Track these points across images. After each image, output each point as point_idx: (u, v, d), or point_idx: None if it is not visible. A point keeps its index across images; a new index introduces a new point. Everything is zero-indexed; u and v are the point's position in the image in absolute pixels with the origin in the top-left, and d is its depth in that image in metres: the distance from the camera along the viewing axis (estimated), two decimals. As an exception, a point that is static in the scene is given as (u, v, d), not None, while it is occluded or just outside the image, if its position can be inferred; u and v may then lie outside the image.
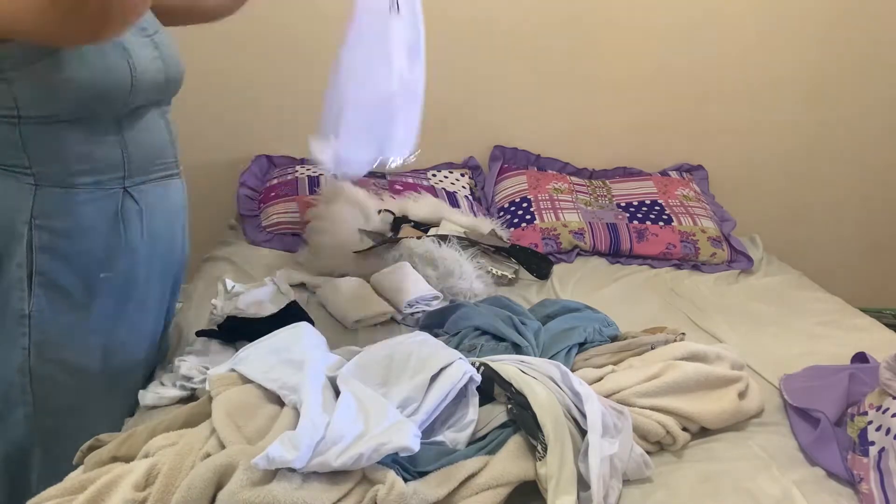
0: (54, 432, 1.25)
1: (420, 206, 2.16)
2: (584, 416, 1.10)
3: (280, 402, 1.09)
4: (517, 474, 1.03)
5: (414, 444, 0.98)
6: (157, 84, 1.24)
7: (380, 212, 2.11)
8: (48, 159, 1.14)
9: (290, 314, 1.51)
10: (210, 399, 1.08)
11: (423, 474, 1.01)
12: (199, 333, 1.43)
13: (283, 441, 0.94)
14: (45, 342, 1.20)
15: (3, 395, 1.24)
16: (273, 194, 2.29)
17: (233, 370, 1.16)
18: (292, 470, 0.94)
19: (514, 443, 1.08)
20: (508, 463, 1.04)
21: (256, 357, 1.17)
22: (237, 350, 1.38)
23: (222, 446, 0.98)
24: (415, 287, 1.71)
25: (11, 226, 1.15)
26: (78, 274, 1.20)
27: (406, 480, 0.98)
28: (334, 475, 0.95)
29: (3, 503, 1.29)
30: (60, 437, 1.24)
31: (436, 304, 1.69)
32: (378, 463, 0.98)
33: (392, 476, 0.95)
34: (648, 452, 1.18)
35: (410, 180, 2.42)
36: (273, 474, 0.93)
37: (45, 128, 1.12)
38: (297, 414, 1.05)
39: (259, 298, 1.63)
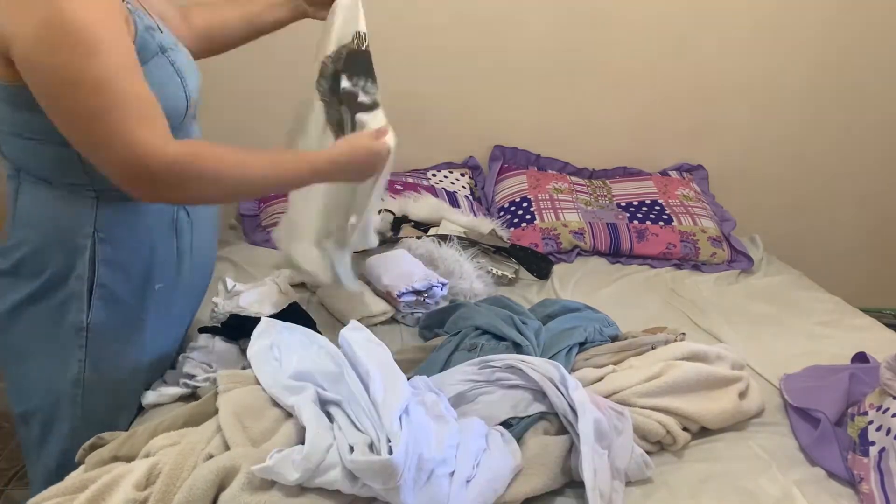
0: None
1: (420, 205, 2.16)
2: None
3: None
4: (526, 493, 1.04)
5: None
6: (196, 101, 1.27)
7: (380, 212, 2.11)
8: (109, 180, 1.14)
9: (291, 314, 1.51)
10: (215, 396, 1.08)
11: None
12: (202, 330, 1.43)
13: (288, 460, 0.93)
14: (100, 355, 1.21)
15: (52, 407, 1.24)
16: (273, 194, 2.29)
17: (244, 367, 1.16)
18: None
19: (521, 456, 1.08)
20: (517, 482, 1.05)
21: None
22: (240, 347, 1.39)
23: (225, 447, 0.97)
24: (408, 275, 1.70)
25: (73, 239, 1.16)
26: (137, 286, 1.22)
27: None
28: None
29: None
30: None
31: (439, 294, 1.68)
32: None
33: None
34: (649, 452, 1.19)
35: (410, 180, 2.42)
36: (274, 480, 0.93)
37: None
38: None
39: (260, 297, 1.63)
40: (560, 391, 1.13)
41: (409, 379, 1.26)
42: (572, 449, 1.10)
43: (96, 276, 1.17)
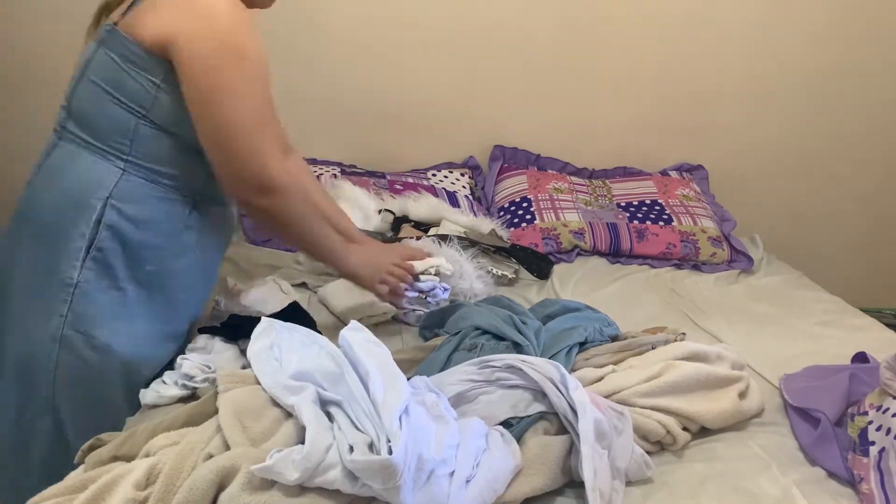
0: (74, 406, 1.29)
1: (420, 205, 2.16)
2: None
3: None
4: (526, 493, 1.04)
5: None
6: None
7: (380, 212, 2.11)
8: (147, 156, 1.25)
9: (291, 314, 1.51)
10: (215, 396, 1.08)
11: None
12: (202, 330, 1.43)
13: (288, 460, 0.93)
14: (81, 314, 1.25)
15: (32, 358, 1.27)
16: (273, 194, 2.29)
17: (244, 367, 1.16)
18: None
19: (521, 455, 1.08)
20: (517, 482, 1.04)
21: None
22: (240, 348, 1.39)
23: (226, 446, 0.97)
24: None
25: (84, 199, 1.23)
26: (129, 259, 1.27)
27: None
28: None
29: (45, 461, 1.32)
30: (80, 409, 1.29)
31: (441, 296, 1.68)
32: None
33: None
34: (649, 452, 1.19)
35: (410, 180, 2.42)
36: (274, 480, 0.93)
37: (160, 134, 1.24)
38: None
39: (261, 297, 1.63)
40: (560, 391, 1.13)
41: (409, 379, 1.27)
42: (572, 449, 1.10)
43: (97, 238, 1.24)
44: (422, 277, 1.65)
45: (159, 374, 1.35)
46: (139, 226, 1.26)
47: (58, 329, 1.24)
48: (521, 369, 1.18)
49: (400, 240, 1.93)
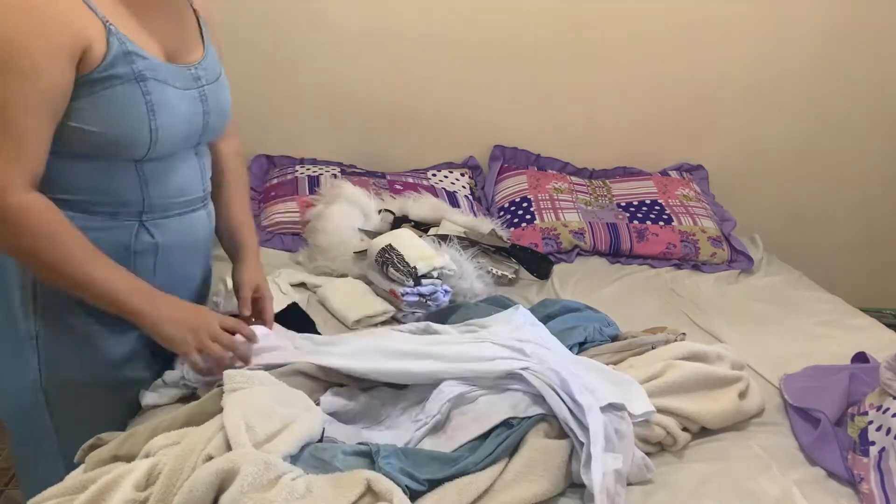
0: (71, 445, 1.23)
1: (420, 205, 2.16)
2: (581, 425, 1.09)
3: (296, 407, 1.08)
4: (528, 500, 1.04)
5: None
6: (189, 136, 1.23)
7: (380, 212, 2.11)
8: (63, 188, 1.13)
9: (291, 315, 1.51)
10: (218, 396, 1.08)
11: (431, 482, 1.01)
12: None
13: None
14: (54, 362, 1.21)
15: (20, 410, 1.25)
16: (273, 194, 2.29)
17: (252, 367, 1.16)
18: (294, 478, 0.93)
19: (521, 460, 1.08)
20: (520, 488, 1.04)
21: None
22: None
23: (226, 447, 0.97)
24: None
25: None
26: (77, 303, 1.18)
27: (411, 489, 0.98)
28: (338, 484, 0.95)
29: None
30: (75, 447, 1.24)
31: (442, 298, 1.69)
32: (385, 472, 0.97)
33: (399, 496, 0.94)
34: (649, 453, 1.19)
35: (410, 180, 2.42)
36: (275, 482, 0.93)
37: (61, 160, 1.11)
38: (312, 419, 1.06)
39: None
40: (560, 397, 1.13)
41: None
42: (572, 453, 1.10)
43: (38, 285, 1.17)
44: (423, 281, 1.65)
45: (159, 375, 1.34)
46: None
47: (36, 381, 1.21)
48: (520, 374, 1.18)
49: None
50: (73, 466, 1.20)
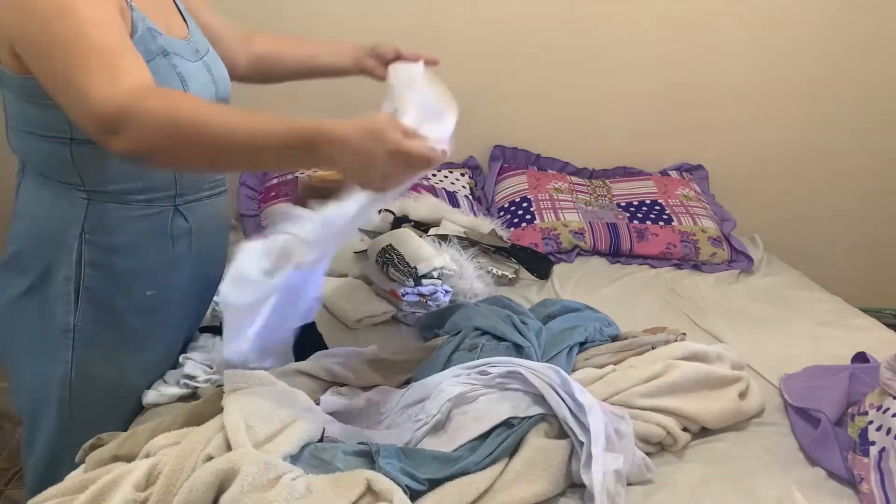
0: (80, 443, 1.24)
1: (420, 205, 2.16)
2: (581, 425, 1.09)
3: (295, 408, 1.09)
4: (528, 499, 1.04)
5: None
6: None
7: (380, 212, 2.11)
8: (99, 177, 1.15)
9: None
10: (219, 396, 1.08)
11: (431, 482, 1.01)
12: (203, 330, 1.43)
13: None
14: (87, 358, 1.21)
15: (40, 405, 1.24)
16: (273, 194, 2.29)
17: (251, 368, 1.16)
18: (294, 478, 0.93)
19: (522, 460, 1.08)
20: (520, 488, 1.04)
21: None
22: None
23: (226, 447, 0.97)
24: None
25: (62, 238, 1.16)
26: (124, 291, 1.20)
27: (411, 489, 0.98)
28: (338, 484, 0.95)
29: None
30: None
31: (442, 299, 1.69)
32: (385, 472, 0.97)
33: (399, 495, 0.94)
34: (649, 453, 1.19)
35: (410, 180, 2.42)
36: (275, 482, 0.93)
37: (96, 149, 1.09)
38: (312, 419, 1.06)
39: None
40: (560, 396, 1.13)
41: (410, 381, 1.27)
42: (572, 453, 1.10)
43: (83, 277, 1.17)
44: (424, 281, 1.65)
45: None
46: (123, 254, 1.19)
47: (66, 375, 1.20)
48: (521, 374, 1.18)
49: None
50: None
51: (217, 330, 1.42)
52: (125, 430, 1.17)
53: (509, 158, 2.60)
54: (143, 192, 1.18)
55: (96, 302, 1.19)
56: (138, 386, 1.29)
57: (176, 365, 1.34)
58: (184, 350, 1.38)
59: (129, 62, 1.01)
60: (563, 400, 1.12)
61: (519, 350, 1.36)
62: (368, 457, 1.03)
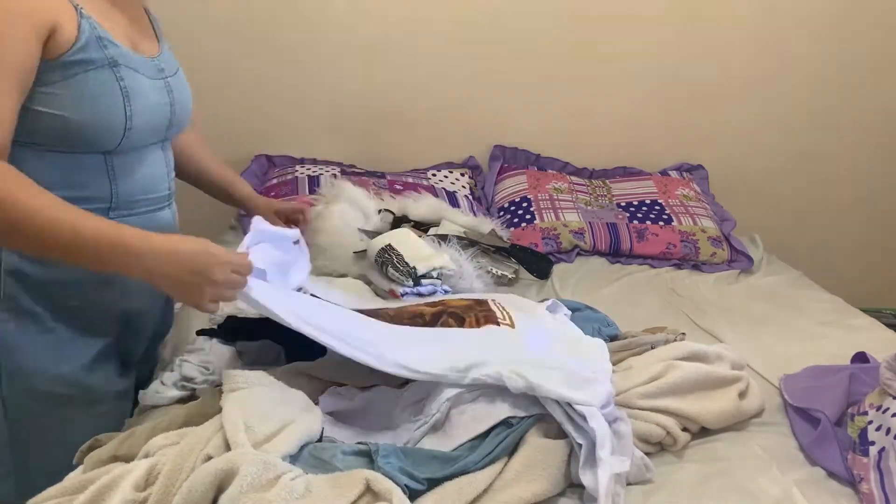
0: (28, 460, 1.22)
1: (420, 205, 2.16)
2: (577, 427, 1.09)
3: (295, 407, 1.08)
4: (528, 499, 1.03)
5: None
6: (157, 128, 1.23)
7: (380, 212, 2.11)
8: None
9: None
10: (218, 396, 1.07)
11: (430, 481, 1.01)
12: (200, 332, 1.43)
13: None
14: (15, 370, 1.17)
15: None
16: (273, 194, 2.29)
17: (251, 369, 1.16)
18: (294, 478, 0.93)
19: (521, 460, 1.08)
20: (519, 488, 1.04)
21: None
22: (238, 349, 1.39)
23: (225, 447, 0.97)
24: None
25: None
26: (47, 301, 1.17)
27: (410, 489, 0.98)
28: (338, 484, 0.95)
29: None
30: (34, 464, 1.21)
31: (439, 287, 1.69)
32: (384, 472, 0.97)
33: (398, 495, 0.94)
34: (648, 454, 1.18)
35: (410, 180, 2.42)
36: (275, 482, 0.92)
37: (28, 151, 1.09)
38: (311, 419, 1.05)
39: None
40: (558, 401, 1.13)
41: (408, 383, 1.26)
42: (571, 453, 1.10)
43: (3, 286, 1.14)
44: (423, 281, 1.65)
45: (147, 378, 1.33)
46: (45, 264, 1.14)
47: None
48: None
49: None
50: (24, 482, 1.18)
51: (214, 333, 1.42)
52: (73, 442, 1.12)
53: (509, 158, 2.60)
54: (74, 201, 1.07)
55: (17, 311, 1.16)
56: (79, 393, 1.23)
57: (172, 367, 1.34)
58: (183, 349, 1.37)
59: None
60: (559, 404, 1.12)
61: (518, 350, 1.36)
62: (367, 456, 1.03)
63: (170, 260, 1.00)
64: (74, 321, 1.21)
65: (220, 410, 1.04)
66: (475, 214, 2.30)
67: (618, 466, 1.05)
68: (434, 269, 1.67)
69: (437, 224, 2.10)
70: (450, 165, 2.58)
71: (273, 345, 1.40)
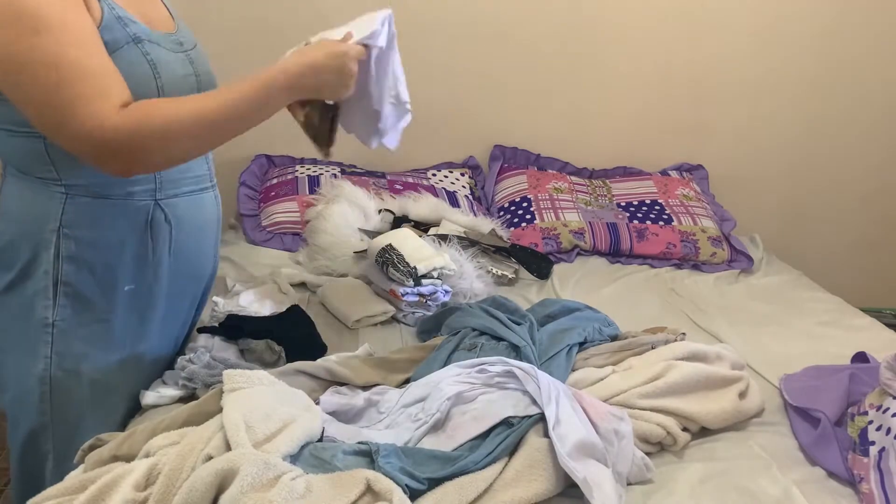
0: (68, 440, 1.24)
1: (420, 205, 2.16)
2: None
3: (295, 407, 1.08)
4: (528, 499, 1.03)
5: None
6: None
7: (380, 211, 2.11)
8: (76, 172, 1.14)
9: (292, 317, 1.51)
10: (218, 395, 1.07)
11: (431, 481, 1.01)
12: (201, 330, 1.43)
13: None
14: (66, 353, 1.20)
15: (19, 402, 1.23)
16: (273, 194, 2.29)
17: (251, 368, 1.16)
18: (294, 478, 0.93)
19: (521, 460, 1.08)
20: (520, 488, 1.04)
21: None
22: (239, 347, 1.39)
23: (226, 447, 0.97)
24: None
25: (40, 233, 1.15)
26: (102, 285, 1.20)
27: (411, 489, 0.98)
28: (338, 484, 0.95)
29: None
30: (74, 444, 1.21)
31: (442, 299, 1.69)
32: (384, 472, 0.97)
33: (399, 495, 0.94)
34: (649, 453, 1.19)
35: (410, 180, 2.42)
36: (275, 481, 0.92)
37: None
38: (312, 419, 1.05)
39: (260, 297, 1.63)
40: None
41: (409, 381, 1.26)
42: None
43: (61, 272, 1.16)
44: (423, 281, 1.66)
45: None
46: (101, 248, 1.18)
47: (45, 371, 1.19)
48: (516, 374, 1.18)
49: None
50: (63, 465, 1.21)
51: (215, 330, 1.42)
52: (113, 430, 1.17)
53: (509, 158, 2.60)
54: (122, 186, 1.17)
55: (74, 296, 1.18)
56: (123, 384, 1.27)
57: (172, 365, 1.34)
58: (182, 351, 1.38)
59: (115, 84, 1.05)
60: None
61: (517, 350, 1.36)
62: (368, 456, 1.03)
63: (316, 71, 1.18)
64: (128, 311, 1.23)
65: (220, 410, 1.04)
66: (475, 214, 2.30)
67: (580, 472, 1.04)
68: (434, 269, 1.67)
69: (437, 224, 2.10)
70: (450, 165, 2.58)
71: (273, 344, 1.40)
